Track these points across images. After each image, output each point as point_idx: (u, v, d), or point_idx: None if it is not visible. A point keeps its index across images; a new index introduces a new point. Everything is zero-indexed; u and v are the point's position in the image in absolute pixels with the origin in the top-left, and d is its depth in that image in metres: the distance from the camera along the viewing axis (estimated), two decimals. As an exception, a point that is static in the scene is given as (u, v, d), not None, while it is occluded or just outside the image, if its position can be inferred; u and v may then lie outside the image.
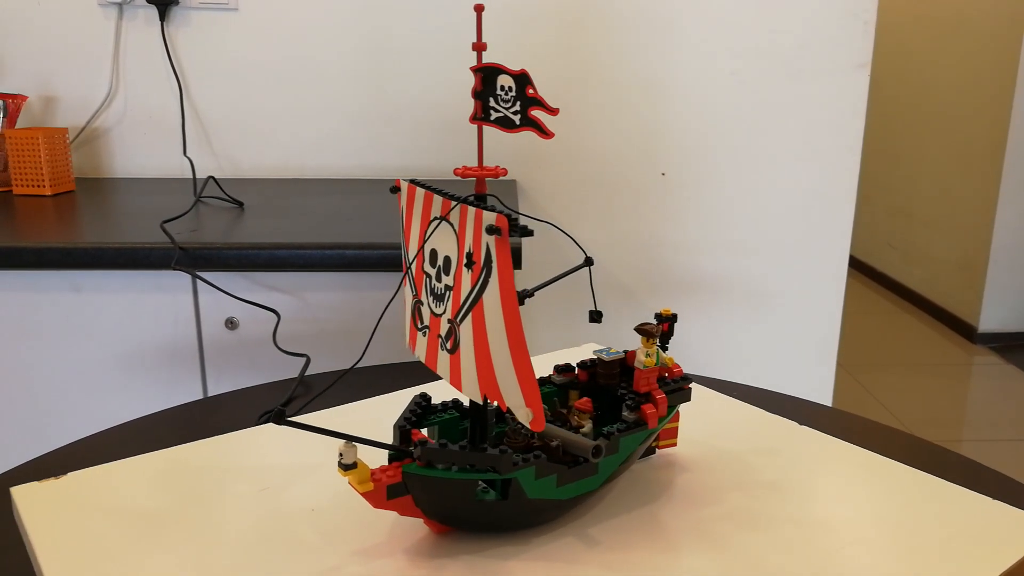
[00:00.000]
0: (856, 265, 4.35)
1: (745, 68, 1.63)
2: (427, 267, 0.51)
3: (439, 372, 0.51)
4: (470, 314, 0.46)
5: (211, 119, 1.63)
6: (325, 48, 1.60)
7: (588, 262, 0.52)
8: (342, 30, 1.60)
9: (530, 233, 0.44)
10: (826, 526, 0.52)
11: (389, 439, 0.62)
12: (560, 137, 1.67)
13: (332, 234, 1.11)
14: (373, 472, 0.47)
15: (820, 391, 1.80)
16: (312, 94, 1.62)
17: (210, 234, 1.10)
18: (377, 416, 0.68)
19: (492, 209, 0.45)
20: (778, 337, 1.76)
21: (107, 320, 1.10)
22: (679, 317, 1.76)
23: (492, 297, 0.45)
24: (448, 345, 0.49)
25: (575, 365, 0.60)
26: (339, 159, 1.66)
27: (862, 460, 0.61)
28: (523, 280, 1.73)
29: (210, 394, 1.14)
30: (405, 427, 0.50)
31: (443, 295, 0.49)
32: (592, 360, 0.59)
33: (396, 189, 0.53)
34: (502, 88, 0.46)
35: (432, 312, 0.50)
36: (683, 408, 0.69)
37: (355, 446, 0.45)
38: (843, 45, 1.63)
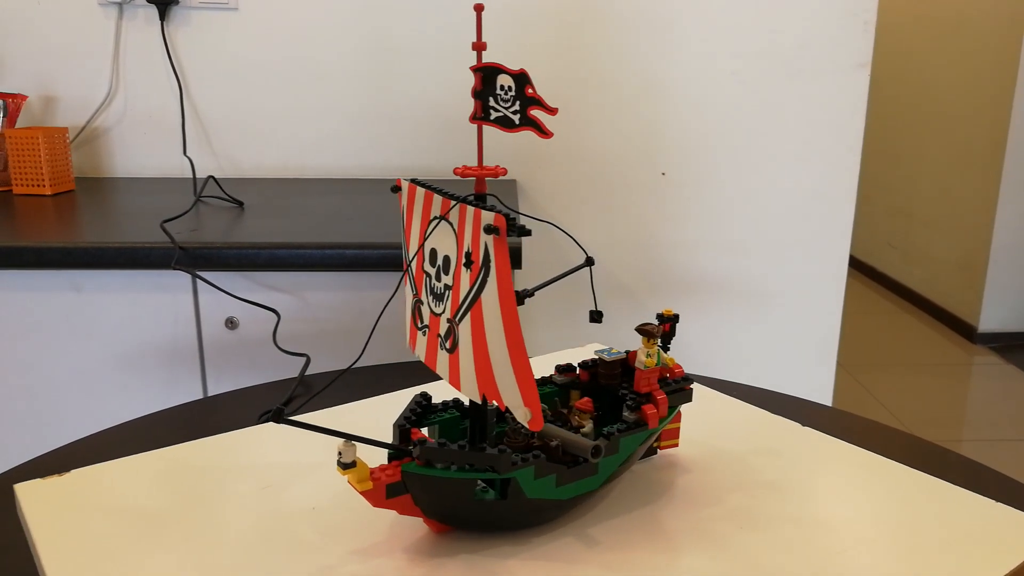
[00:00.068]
0: (856, 265, 4.35)
1: (745, 68, 1.63)
2: (427, 266, 0.51)
3: (439, 371, 0.51)
4: (469, 313, 0.46)
5: (211, 119, 1.63)
6: (325, 48, 1.60)
7: (589, 262, 0.52)
8: (342, 30, 1.60)
9: (528, 233, 0.44)
10: (826, 526, 0.52)
11: (389, 438, 0.62)
12: (560, 137, 1.67)
13: (332, 234, 1.11)
14: (372, 471, 0.47)
15: (820, 391, 1.80)
16: (312, 94, 1.63)
17: (210, 234, 1.10)
18: (377, 416, 0.68)
19: (491, 209, 0.45)
20: (778, 337, 1.76)
21: (107, 320, 1.10)
22: (679, 317, 1.76)
23: (490, 297, 0.45)
24: (447, 344, 0.49)
25: (576, 365, 0.60)
26: (339, 159, 1.66)
27: (862, 460, 0.61)
28: (523, 280, 1.73)
29: (210, 394, 1.14)
30: (405, 426, 0.50)
31: (442, 294, 0.49)
32: (593, 360, 0.59)
33: (397, 188, 0.53)
34: (502, 88, 0.46)
35: (432, 311, 0.50)
36: (683, 408, 0.69)
37: (354, 445, 0.45)
38: (843, 45, 1.63)
